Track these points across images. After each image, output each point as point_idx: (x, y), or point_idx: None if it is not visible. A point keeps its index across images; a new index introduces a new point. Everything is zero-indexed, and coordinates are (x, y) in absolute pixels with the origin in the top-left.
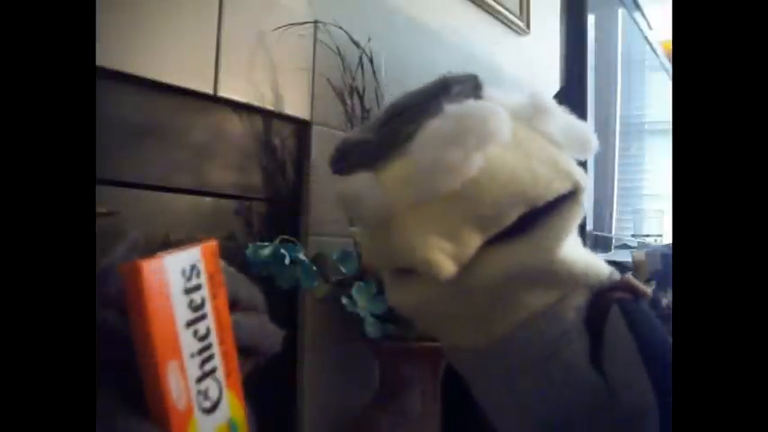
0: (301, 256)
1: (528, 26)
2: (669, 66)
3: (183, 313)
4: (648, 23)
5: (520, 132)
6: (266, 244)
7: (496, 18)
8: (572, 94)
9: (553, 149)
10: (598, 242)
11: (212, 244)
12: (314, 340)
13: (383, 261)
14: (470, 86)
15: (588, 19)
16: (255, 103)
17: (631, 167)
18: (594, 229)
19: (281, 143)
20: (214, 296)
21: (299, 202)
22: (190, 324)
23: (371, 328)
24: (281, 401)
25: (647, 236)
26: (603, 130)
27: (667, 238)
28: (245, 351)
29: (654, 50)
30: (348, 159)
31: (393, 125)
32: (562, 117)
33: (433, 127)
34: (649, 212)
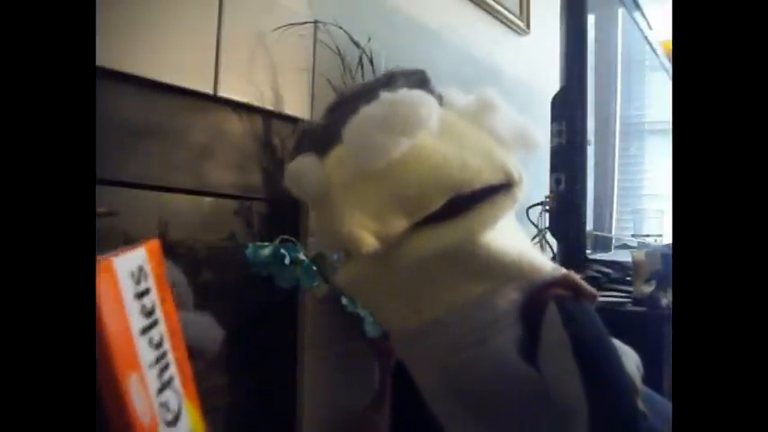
0: (301, 256)
1: (528, 26)
2: (669, 66)
3: (136, 320)
4: (648, 23)
5: (459, 124)
6: (266, 244)
7: (496, 18)
8: (572, 94)
9: (491, 143)
10: (598, 242)
11: (155, 242)
12: (314, 340)
13: (325, 238)
14: (415, 80)
15: (588, 19)
16: (255, 103)
17: (631, 167)
18: (594, 229)
19: (281, 143)
20: (163, 300)
21: (298, 202)
22: (144, 331)
23: (371, 328)
24: (281, 401)
25: (647, 236)
26: (603, 130)
27: (667, 238)
28: (193, 353)
29: (654, 50)
30: (299, 144)
31: (337, 113)
32: (508, 115)
33: (366, 111)
34: (649, 212)
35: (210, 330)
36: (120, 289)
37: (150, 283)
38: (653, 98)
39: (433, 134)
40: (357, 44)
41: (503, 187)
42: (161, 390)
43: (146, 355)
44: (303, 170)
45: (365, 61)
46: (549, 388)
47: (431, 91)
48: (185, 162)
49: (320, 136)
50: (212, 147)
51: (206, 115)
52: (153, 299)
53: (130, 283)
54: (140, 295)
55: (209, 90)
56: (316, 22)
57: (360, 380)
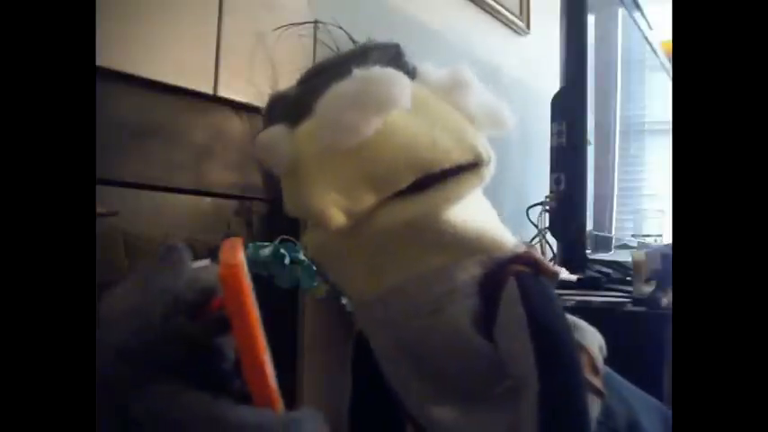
0: (301, 256)
1: (528, 26)
2: (669, 66)
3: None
4: (648, 23)
5: (431, 102)
6: (266, 244)
7: (496, 18)
8: (572, 94)
9: (462, 122)
10: (598, 242)
11: (240, 239)
12: (314, 340)
13: (293, 209)
14: (390, 54)
15: (588, 19)
16: (255, 103)
17: (631, 167)
18: (594, 229)
19: None
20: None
21: None
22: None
23: None
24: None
25: (647, 236)
26: (603, 130)
27: (667, 238)
28: None
29: (654, 50)
30: (270, 113)
31: (310, 85)
32: (481, 94)
33: (338, 88)
34: (649, 212)
35: None
36: (249, 282)
37: (246, 274)
38: (653, 98)
39: (404, 112)
40: (357, 44)
41: (471, 166)
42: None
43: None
44: (273, 140)
45: None
46: (502, 361)
47: (405, 65)
48: (185, 162)
49: (291, 107)
50: (212, 147)
51: (206, 115)
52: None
53: (248, 275)
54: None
55: (209, 90)
56: (316, 21)
57: None
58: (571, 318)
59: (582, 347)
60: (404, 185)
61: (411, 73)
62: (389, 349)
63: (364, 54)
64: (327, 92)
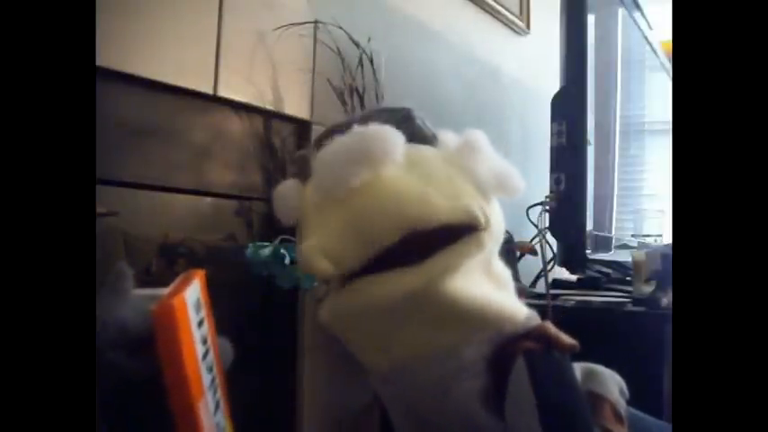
0: None
1: (528, 26)
2: (669, 66)
3: (199, 349)
4: (648, 23)
5: (434, 162)
6: (266, 244)
7: (496, 18)
8: (572, 94)
9: (463, 185)
10: (598, 242)
11: (202, 273)
12: (314, 340)
13: (298, 260)
14: (399, 116)
15: (588, 19)
16: (255, 103)
17: (631, 167)
18: (594, 229)
19: (281, 143)
20: (209, 325)
21: None
22: (203, 358)
23: None
24: (281, 401)
25: (647, 236)
26: (603, 130)
27: (667, 238)
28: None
29: (654, 50)
30: (293, 170)
31: (323, 144)
32: (492, 159)
33: (335, 142)
34: (649, 212)
35: (228, 350)
36: (189, 322)
37: (203, 312)
38: (653, 98)
39: (400, 168)
40: (357, 44)
41: (468, 230)
42: (215, 411)
43: (206, 380)
44: (283, 194)
45: (365, 61)
46: None
47: (416, 127)
48: (185, 162)
49: (305, 164)
50: (212, 147)
51: (206, 115)
52: (206, 326)
53: (194, 314)
54: (199, 324)
55: (209, 90)
56: (316, 21)
57: (360, 380)
58: (587, 365)
59: (601, 398)
60: (391, 241)
61: (424, 135)
62: (400, 416)
63: (371, 116)
64: (325, 147)
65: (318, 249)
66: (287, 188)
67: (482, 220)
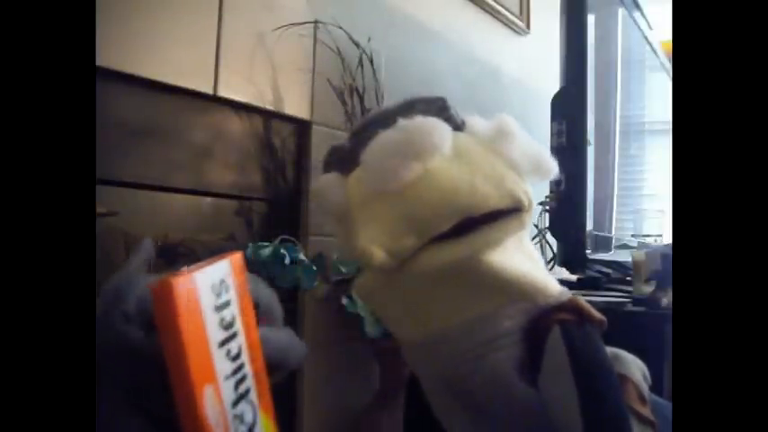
0: (301, 256)
1: (528, 26)
2: (669, 66)
3: (215, 333)
4: (648, 23)
5: (474, 151)
6: (266, 244)
7: (496, 18)
8: (572, 94)
9: (504, 170)
10: (598, 242)
11: (239, 256)
12: (314, 341)
13: (344, 250)
14: (435, 107)
15: (588, 19)
16: (255, 103)
17: (631, 167)
18: (594, 229)
19: (281, 143)
20: (243, 312)
21: (299, 203)
22: (222, 344)
23: (371, 328)
24: (281, 401)
25: (647, 236)
26: (603, 130)
27: (667, 238)
28: (272, 367)
29: (654, 50)
30: (327, 164)
31: (360, 136)
32: (526, 143)
33: (383, 137)
34: (649, 212)
35: (292, 346)
36: (199, 303)
37: (231, 295)
38: (653, 98)
39: (446, 159)
40: (357, 44)
41: (511, 211)
42: (236, 402)
43: (223, 367)
44: (327, 187)
45: (365, 61)
46: (546, 408)
47: (451, 117)
48: (185, 162)
49: (344, 156)
50: (212, 147)
51: (206, 115)
52: (233, 311)
53: (211, 296)
54: (220, 308)
55: (209, 90)
56: (316, 21)
57: (360, 380)
58: (612, 350)
59: (626, 378)
60: (444, 229)
61: (456, 124)
62: (435, 387)
63: (410, 107)
64: (373, 141)
65: (374, 241)
66: (329, 183)
67: (526, 203)
